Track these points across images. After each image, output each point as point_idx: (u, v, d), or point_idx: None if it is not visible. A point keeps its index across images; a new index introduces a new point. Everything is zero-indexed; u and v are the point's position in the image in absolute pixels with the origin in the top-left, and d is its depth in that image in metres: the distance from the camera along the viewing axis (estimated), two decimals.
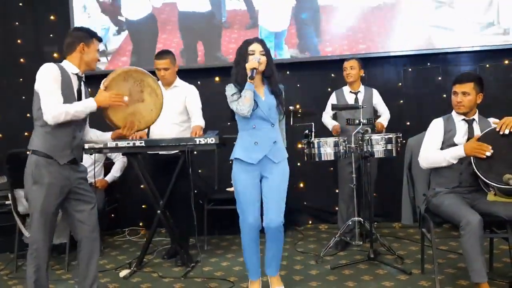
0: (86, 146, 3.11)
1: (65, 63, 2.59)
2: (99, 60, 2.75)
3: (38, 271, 2.52)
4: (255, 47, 2.75)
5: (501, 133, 2.63)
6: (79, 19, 4.78)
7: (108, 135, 2.82)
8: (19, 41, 4.99)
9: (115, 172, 4.21)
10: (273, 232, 2.77)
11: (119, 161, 4.24)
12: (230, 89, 2.77)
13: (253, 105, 2.71)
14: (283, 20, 4.56)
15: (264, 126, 2.78)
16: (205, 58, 4.69)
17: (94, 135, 2.81)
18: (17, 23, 4.97)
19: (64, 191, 2.55)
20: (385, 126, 3.98)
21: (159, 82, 3.45)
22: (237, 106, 2.70)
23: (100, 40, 2.70)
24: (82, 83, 2.63)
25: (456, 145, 2.79)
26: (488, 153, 2.61)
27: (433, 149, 2.84)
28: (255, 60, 2.71)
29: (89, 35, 2.63)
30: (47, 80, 2.47)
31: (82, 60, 2.60)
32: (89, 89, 2.79)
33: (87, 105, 2.55)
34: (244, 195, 2.78)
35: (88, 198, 2.66)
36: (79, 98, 2.59)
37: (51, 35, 4.91)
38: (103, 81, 2.68)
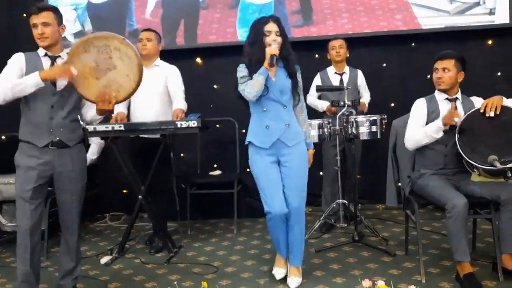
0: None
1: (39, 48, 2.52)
2: (42, 35, 2.43)
3: (22, 257, 2.47)
4: (271, 27, 2.61)
5: (486, 115, 2.62)
6: None
7: (94, 111, 2.60)
8: None
9: (92, 154, 4.02)
10: (291, 218, 2.70)
11: (94, 143, 4.04)
12: (240, 70, 2.64)
13: (264, 90, 2.59)
14: None
15: (276, 108, 2.65)
16: (184, 39, 4.57)
17: (93, 113, 2.62)
18: None
19: (44, 176, 2.47)
20: (367, 107, 3.96)
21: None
22: (245, 88, 2.58)
23: (31, 13, 2.43)
24: (56, 62, 2.49)
25: None
26: (456, 119, 2.63)
27: (417, 129, 2.81)
28: (275, 46, 2.57)
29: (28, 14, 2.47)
30: (6, 67, 2.44)
31: None
32: None
33: (30, 78, 2.35)
34: (263, 179, 2.67)
35: (68, 188, 2.53)
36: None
37: (24, 15, 4.71)
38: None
